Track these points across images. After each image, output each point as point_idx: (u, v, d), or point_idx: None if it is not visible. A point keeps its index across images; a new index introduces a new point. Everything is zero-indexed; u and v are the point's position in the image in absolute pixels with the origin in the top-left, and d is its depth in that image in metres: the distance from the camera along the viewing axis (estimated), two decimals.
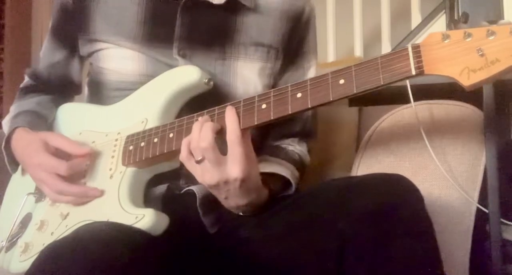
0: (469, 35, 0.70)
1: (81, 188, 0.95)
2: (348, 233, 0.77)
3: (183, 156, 0.84)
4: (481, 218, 1.06)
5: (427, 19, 2.16)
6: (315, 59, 1.15)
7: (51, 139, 0.98)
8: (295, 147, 1.12)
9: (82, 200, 0.95)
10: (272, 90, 0.83)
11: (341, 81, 0.77)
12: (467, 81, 0.69)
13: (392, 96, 1.23)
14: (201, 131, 0.82)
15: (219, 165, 0.82)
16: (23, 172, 1.09)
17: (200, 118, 0.86)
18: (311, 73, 1.13)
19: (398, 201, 0.78)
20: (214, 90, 0.98)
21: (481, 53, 0.68)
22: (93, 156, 0.98)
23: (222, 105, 0.86)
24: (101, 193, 0.94)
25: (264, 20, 1.06)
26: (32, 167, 0.98)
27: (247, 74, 1.05)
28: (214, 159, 0.81)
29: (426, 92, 1.10)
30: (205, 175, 0.83)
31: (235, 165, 0.82)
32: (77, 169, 0.95)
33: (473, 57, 0.69)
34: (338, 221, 0.78)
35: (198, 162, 0.83)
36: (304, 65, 1.13)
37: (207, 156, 0.81)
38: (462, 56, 0.70)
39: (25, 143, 1.00)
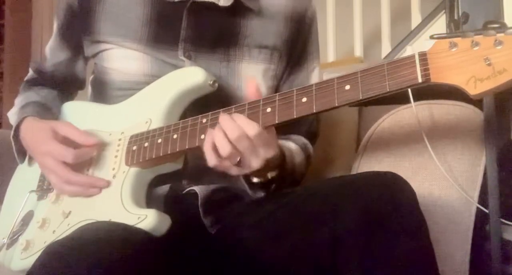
0: (477, 44, 0.70)
1: (89, 178, 0.95)
2: (341, 232, 0.77)
3: (214, 163, 0.83)
4: (481, 218, 1.07)
5: (427, 19, 2.16)
6: (318, 60, 1.16)
7: (60, 128, 0.98)
8: (300, 138, 1.13)
9: (89, 191, 0.94)
10: (277, 94, 0.84)
11: (347, 87, 0.78)
12: (473, 90, 0.70)
13: (392, 96, 1.23)
14: (237, 122, 0.82)
15: (255, 152, 0.82)
16: (30, 162, 1.09)
17: (223, 119, 0.84)
18: (315, 74, 1.15)
19: (390, 200, 0.77)
20: (219, 92, 0.99)
21: (488, 62, 0.69)
22: (100, 146, 0.98)
23: (227, 108, 0.87)
24: (108, 184, 0.94)
25: (267, 23, 1.07)
26: (40, 155, 0.98)
27: (251, 76, 1.05)
28: (267, 136, 0.82)
29: (426, 92, 1.10)
30: (245, 167, 0.84)
31: (269, 149, 0.83)
32: (84, 158, 0.96)
33: (480, 67, 0.69)
34: (330, 220, 0.79)
35: (238, 163, 0.83)
36: (308, 67, 1.14)
37: (262, 137, 0.81)
38: (469, 65, 0.70)
39: (34, 131, 1.00)
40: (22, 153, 1.07)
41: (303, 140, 1.13)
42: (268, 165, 0.86)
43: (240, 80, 1.04)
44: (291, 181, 1.04)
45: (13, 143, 1.06)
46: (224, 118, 0.83)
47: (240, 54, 1.05)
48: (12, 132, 1.05)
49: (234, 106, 0.86)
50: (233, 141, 0.81)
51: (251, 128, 0.81)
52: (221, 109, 0.87)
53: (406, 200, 0.79)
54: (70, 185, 0.95)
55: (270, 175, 0.92)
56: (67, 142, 0.97)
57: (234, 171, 0.85)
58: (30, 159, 1.09)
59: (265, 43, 1.07)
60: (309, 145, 1.14)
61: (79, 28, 1.08)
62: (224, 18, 1.04)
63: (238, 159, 0.82)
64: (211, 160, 0.83)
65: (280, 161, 0.93)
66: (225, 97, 1.02)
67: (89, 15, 1.06)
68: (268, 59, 1.07)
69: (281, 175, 0.95)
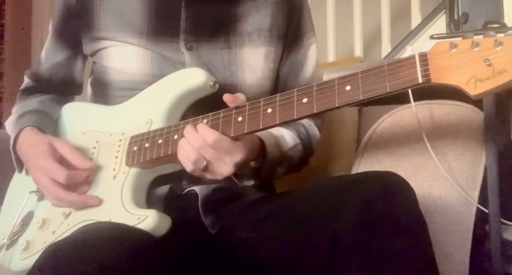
0: (477, 44, 0.70)
1: (80, 197, 0.94)
2: (341, 232, 0.76)
3: (190, 168, 0.86)
4: (481, 218, 1.07)
5: (427, 19, 2.16)
6: (314, 36, 1.17)
7: (58, 145, 0.98)
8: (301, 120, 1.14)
9: (82, 207, 0.95)
10: (278, 94, 0.84)
11: (348, 87, 0.78)
12: (473, 90, 0.70)
13: (392, 96, 1.23)
14: (199, 132, 0.84)
15: (222, 161, 0.84)
16: (28, 172, 1.09)
17: (186, 130, 0.87)
18: (312, 51, 1.16)
19: (389, 199, 0.77)
20: (224, 81, 1.00)
21: (488, 63, 0.69)
22: (94, 170, 0.98)
23: (227, 108, 0.87)
24: (100, 202, 0.94)
25: (262, 6, 1.09)
26: (34, 169, 0.98)
27: (254, 61, 1.06)
28: (229, 144, 0.84)
29: (426, 92, 1.11)
30: (214, 174, 0.86)
31: (242, 150, 0.85)
32: (76, 180, 0.95)
33: (480, 67, 0.69)
34: (330, 220, 0.78)
35: (204, 168, 0.85)
36: (305, 44, 1.15)
37: (223, 144, 0.83)
38: (469, 65, 0.70)
39: (32, 144, 1.00)
40: (21, 163, 1.06)
41: (302, 123, 1.13)
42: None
43: (243, 67, 1.05)
44: (287, 167, 1.05)
45: (12, 153, 1.06)
46: (187, 130, 0.87)
47: (240, 40, 1.06)
48: (11, 143, 1.05)
49: (234, 106, 0.86)
50: (197, 150, 0.84)
51: (210, 135, 0.84)
52: (222, 110, 0.87)
53: (406, 200, 0.79)
54: (62, 202, 0.95)
55: (253, 164, 0.94)
56: (62, 160, 0.97)
57: (208, 176, 0.87)
58: (27, 170, 1.08)
59: (263, 26, 1.08)
60: (311, 126, 1.15)
61: (77, 26, 1.08)
62: (221, 6, 1.06)
63: (204, 164, 0.84)
64: (187, 166, 0.86)
65: (260, 151, 0.95)
66: (228, 86, 1.02)
67: (88, 12, 1.06)
68: (268, 42, 1.08)
69: (266, 163, 0.96)
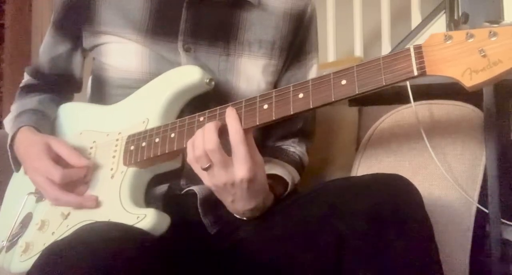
0: (471, 36, 0.70)
1: (76, 198, 0.94)
2: (347, 234, 0.77)
3: (190, 159, 0.84)
4: (481, 218, 1.07)
5: (427, 19, 2.15)
6: (317, 57, 1.16)
7: (54, 144, 0.98)
8: (296, 148, 1.13)
9: (80, 207, 0.95)
10: (274, 90, 0.83)
11: (343, 82, 0.77)
12: (469, 82, 0.69)
13: (392, 96, 1.23)
14: (204, 133, 0.82)
15: (226, 167, 0.81)
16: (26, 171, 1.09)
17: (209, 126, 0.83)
18: (313, 70, 1.14)
19: (397, 202, 0.77)
20: (217, 88, 0.99)
21: (483, 54, 0.68)
22: (91, 169, 0.98)
23: (224, 105, 0.86)
24: (97, 204, 0.93)
25: (267, 18, 1.07)
26: (31, 170, 0.98)
27: (251, 71, 1.05)
28: (220, 160, 0.81)
29: (426, 92, 1.11)
30: (212, 178, 0.83)
31: (241, 165, 0.81)
32: (72, 179, 0.95)
33: (476, 58, 0.69)
34: (336, 221, 0.78)
35: (205, 169, 0.82)
36: (307, 64, 1.14)
37: (214, 158, 0.81)
38: (464, 57, 0.70)
39: (29, 144, 1.00)
40: (18, 162, 1.06)
41: (297, 153, 1.12)
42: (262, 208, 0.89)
43: (239, 75, 1.04)
44: None
45: (9, 152, 1.06)
46: (197, 132, 0.84)
47: (240, 49, 1.05)
48: (8, 141, 1.05)
49: (231, 103, 0.86)
50: (196, 158, 0.82)
51: (208, 141, 0.81)
52: (218, 107, 0.87)
53: (413, 203, 0.79)
54: (60, 202, 0.95)
55: (257, 213, 0.91)
56: (59, 159, 0.96)
57: (205, 179, 0.84)
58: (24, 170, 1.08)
59: (265, 38, 1.07)
60: (304, 156, 1.14)
61: (78, 19, 1.08)
62: (224, 11, 1.05)
63: (207, 166, 0.82)
64: (189, 154, 0.84)
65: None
66: (223, 92, 1.02)
67: (90, 5, 1.06)
68: (269, 54, 1.07)
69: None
